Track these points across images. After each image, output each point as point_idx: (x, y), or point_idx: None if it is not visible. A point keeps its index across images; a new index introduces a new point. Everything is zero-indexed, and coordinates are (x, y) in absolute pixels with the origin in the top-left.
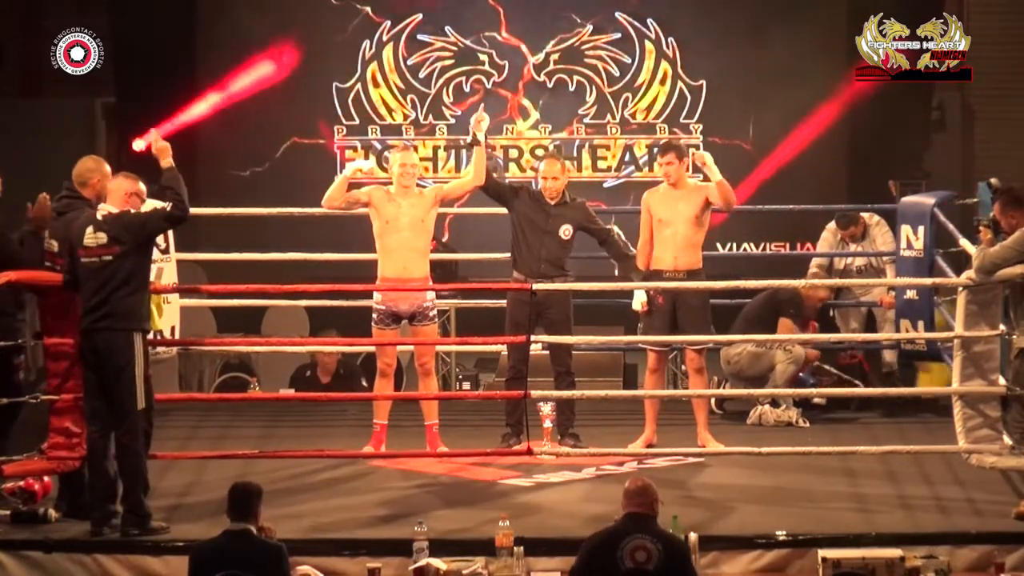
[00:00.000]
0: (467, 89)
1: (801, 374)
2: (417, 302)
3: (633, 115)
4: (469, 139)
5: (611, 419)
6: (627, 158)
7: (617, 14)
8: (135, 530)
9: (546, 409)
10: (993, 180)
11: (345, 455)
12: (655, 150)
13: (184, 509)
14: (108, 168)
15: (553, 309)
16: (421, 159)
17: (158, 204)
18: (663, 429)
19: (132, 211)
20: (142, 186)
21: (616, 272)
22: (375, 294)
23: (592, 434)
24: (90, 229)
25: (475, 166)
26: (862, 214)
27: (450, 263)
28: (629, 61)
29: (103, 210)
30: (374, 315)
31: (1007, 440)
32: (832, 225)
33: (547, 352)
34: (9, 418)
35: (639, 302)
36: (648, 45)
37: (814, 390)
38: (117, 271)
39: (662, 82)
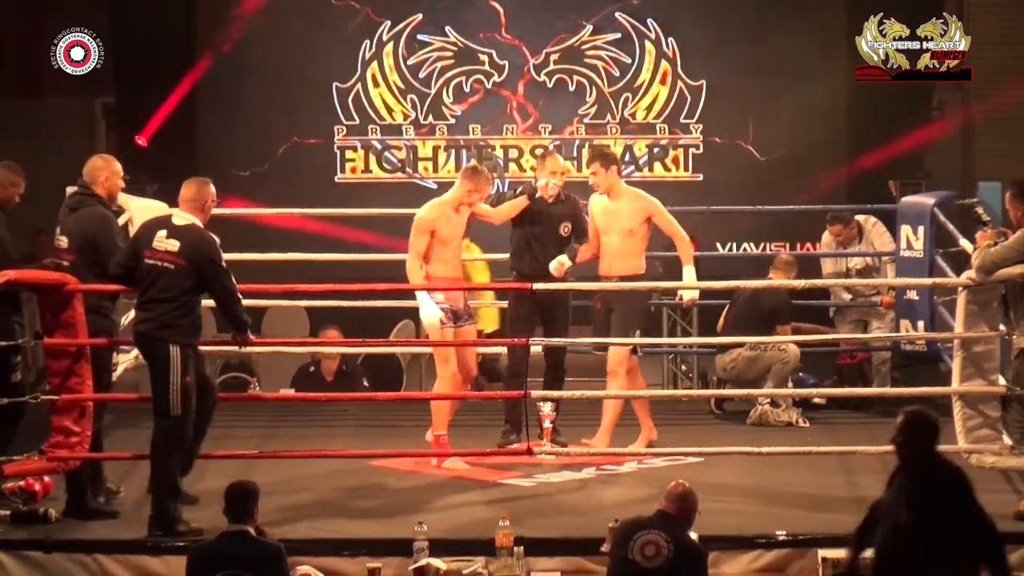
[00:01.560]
0: (467, 89)
1: (801, 374)
2: (463, 301)
3: (633, 115)
4: (522, 191)
5: None
6: (627, 158)
7: (617, 14)
8: (159, 532)
9: (546, 409)
10: (968, 202)
11: (345, 455)
12: (654, 149)
13: (184, 509)
14: (118, 166)
15: (556, 308)
16: (420, 159)
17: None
18: (663, 429)
19: (206, 235)
20: (212, 188)
21: None
22: (437, 294)
23: (592, 434)
24: (163, 232)
25: (508, 211)
26: (856, 216)
27: None
28: (629, 61)
29: (180, 217)
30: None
31: (1007, 440)
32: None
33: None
34: (15, 418)
35: (554, 265)
36: (648, 45)
37: (814, 390)
38: (174, 282)
39: (662, 82)
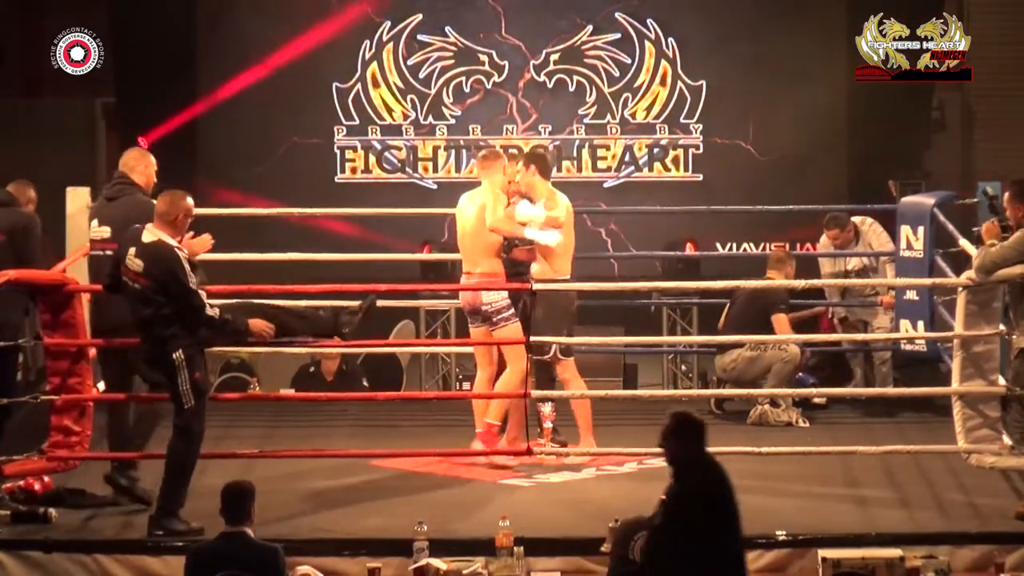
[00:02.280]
0: (467, 89)
1: (800, 374)
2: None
3: (633, 115)
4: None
5: (611, 419)
6: (627, 158)
7: (617, 14)
8: (160, 531)
9: (546, 409)
10: (988, 188)
11: (345, 455)
12: (654, 150)
13: (184, 509)
14: (153, 158)
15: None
16: (420, 159)
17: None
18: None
19: (167, 250)
20: (189, 202)
21: None
22: (506, 293)
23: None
24: (133, 251)
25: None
26: (853, 219)
27: (444, 263)
28: (629, 61)
29: (149, 233)
30: (512, 311)
31: (1007, 440)
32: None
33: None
34: (5, 418)
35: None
36: (648, 45)
37: (814, 390)
38: (147, 301)
39: (662, 82)
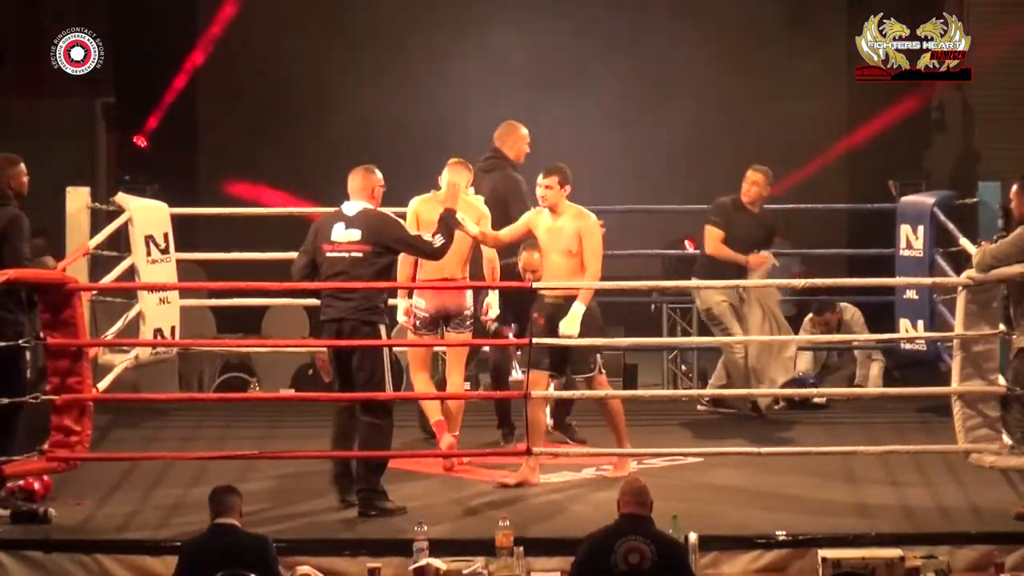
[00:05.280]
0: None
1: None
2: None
3: None
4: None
5: None
6: None
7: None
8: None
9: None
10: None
11: (345, 455)
12: None
13: (184, 509)
14: (524, 131)
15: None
16: None
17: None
18: (663, 428)
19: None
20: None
21: None
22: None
23: (592, 434)
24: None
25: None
26: (841, 304)
27: None
28: None
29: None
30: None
31: (1007, 440)
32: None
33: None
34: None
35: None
36: None
37: (814, 390)
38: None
39: None
